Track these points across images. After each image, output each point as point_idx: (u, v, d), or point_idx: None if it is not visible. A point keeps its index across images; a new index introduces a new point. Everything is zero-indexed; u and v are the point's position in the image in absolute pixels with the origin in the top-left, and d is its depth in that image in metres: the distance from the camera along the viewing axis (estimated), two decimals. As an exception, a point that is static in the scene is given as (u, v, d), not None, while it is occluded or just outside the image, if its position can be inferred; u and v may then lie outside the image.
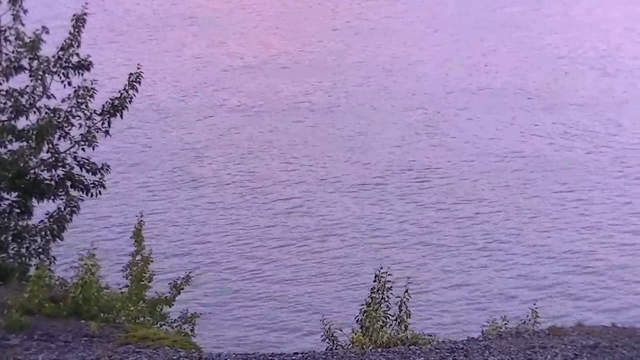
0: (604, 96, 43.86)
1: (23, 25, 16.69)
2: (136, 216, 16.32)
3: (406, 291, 13.33)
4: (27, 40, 16.54)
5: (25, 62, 16.61)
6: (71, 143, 16.79)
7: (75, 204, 16.63)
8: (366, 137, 38.42)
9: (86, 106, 16.75)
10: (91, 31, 52.69)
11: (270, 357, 11.13)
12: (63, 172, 16.62)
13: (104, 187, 17.02)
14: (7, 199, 16.35)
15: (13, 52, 16.57)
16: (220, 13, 61.51)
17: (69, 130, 16.73)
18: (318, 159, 35.82)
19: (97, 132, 16.89)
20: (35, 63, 16.56)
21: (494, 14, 60.97)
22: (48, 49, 16.86)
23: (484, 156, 36.17)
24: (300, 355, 11.22)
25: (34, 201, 16.51)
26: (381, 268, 13.60)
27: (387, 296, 13.31)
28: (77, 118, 16.75)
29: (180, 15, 60.36)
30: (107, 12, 59.01)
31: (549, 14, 60.97)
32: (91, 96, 16.73)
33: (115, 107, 16.87)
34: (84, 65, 16.93)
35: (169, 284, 16.49)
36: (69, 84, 16.87)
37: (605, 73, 47.93)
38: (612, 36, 55.00)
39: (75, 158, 16.82)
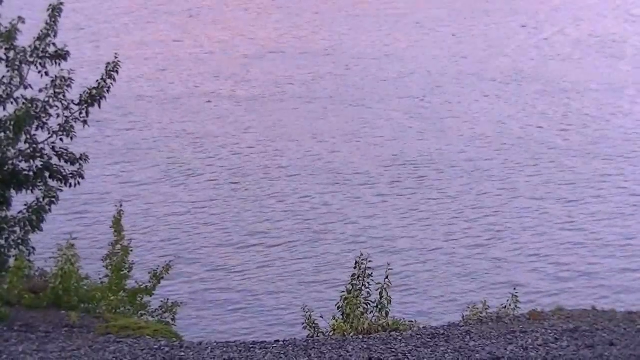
0: (601, 80, 44.02)
1: (-1, 16, 16.61)
2: (115, 206, 16.27)
3: (387, 277, 13.36)
4: (3, 30, 16.46)
5: (1, 53, 16.52)
6: (49, 133, 16.74)
7: (54, 194, 16.58)
8: (357, 126, 38.34)
9: (64, 96, 16.69)
10: (91, 20, 53.41)
11: (252, 346, 11.14)
12: (41, 163, 16.56)
13: (83, 178, 16.96)
14: (-16, 191, 16.27)
15: (-11, 43, 16.48)
16: (219, 2, 61.61)
17: (47, 120, 16.67)
18: (304, 149, 35.74)
19: (75, 122, 16.84)
20: (12, 53, 16.48)
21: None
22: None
23: (473, 143, 36.24)
24: (281, 342, 11.23)
25: (13, 192, 16.46)
26: (361, 255, 13.61)
27: (368, 283, 13.33)
28: (55, 108, 16.70)
29: (176, 4, 60.46)
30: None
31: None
32: (68, 86, 16.67)
33: (93, 97, 16.82)
34: (61, 55, 16.86)
35: (149, 273, 16.47)
36: (46, 74, 16.80)
37: (602, 57, 48.15)
38: (607, 20, 55.28)
39: (53, 148, 16.76)
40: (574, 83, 43.69)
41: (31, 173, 16.46)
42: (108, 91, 16.94)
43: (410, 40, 51.69)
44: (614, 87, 43.22)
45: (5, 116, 16.27)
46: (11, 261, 14.87)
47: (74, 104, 16.77)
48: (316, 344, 11.21)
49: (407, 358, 10.73)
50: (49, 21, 16.77)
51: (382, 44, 51.10)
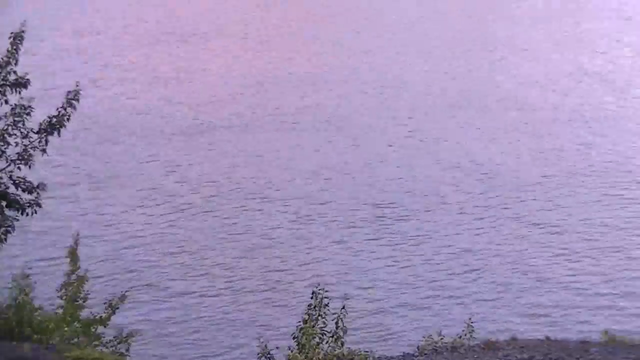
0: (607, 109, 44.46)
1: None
2: (71, 235, 16.18)
3: (343, 307, 13.40)
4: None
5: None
6: (7, 162, 16.62)
7: (10, 224, 16.43)
8: (340, 157, 38.42)
9: (23, 124, 16.60)
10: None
11: (207, 376, 11.13)
12: (-2, 192, 16.44)
13: (40, 207, 16.81)
14: (-59, 219, 16.12)
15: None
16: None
17: (5, 149, 16.57)
18: (273, 179, 35.80)
19: (34, 150, 16.74)
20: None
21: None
22: None
23: (440, 171, 36.54)
24: (236, 373, 11.25)
25: (-32, 221, 16.30)
26: (318, 285, 13.66)
27: (324, 313, 13.35)
28: (14, 136, 16.60)
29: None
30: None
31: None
32: (28, 114, 16.57)
33: (53, 125, 16.73)
34: (22, 84, 16.78)
35: (104, 303, 16.35)
36: (6, 102, 16.71)
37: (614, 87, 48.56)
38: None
39: (10, 177, 16.64)
40: (582, 112, 43.72)
41: (-13, 202, 16.33)
42: (68, 119, 16.86)
43: (416, 67, 52.24)
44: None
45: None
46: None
47: (34, 132, 16.68)
48: (271, 374, 11.23)
49: (362, 388, 10.77)
50: (10, 48, 16.70)
51: (396, 70, 51.62)
